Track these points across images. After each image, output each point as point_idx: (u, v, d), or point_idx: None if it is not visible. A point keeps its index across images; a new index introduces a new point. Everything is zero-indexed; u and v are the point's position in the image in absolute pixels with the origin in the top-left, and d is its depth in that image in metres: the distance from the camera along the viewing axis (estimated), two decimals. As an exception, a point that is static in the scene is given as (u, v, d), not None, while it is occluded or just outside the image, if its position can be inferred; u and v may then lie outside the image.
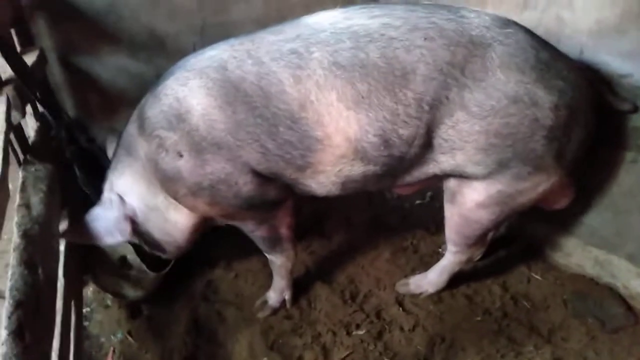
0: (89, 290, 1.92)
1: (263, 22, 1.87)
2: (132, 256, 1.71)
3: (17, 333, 1.03)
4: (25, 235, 1.28)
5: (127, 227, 1.52)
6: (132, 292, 1.82)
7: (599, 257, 1.83)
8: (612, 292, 1.80)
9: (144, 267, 1.71)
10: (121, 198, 1.55)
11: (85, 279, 1.91)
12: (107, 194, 1.58)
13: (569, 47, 1.52)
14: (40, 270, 1.25)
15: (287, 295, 1.84)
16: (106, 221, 1.53)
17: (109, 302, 1.90)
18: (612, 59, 1.51)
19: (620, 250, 1.76)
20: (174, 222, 1.59)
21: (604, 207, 1.73)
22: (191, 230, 1.63)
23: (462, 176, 1.42)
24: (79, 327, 1.67)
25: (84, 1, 1.76)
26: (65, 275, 1.59)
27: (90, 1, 1.77)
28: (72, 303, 1.63)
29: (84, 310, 1.84)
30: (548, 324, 1.77)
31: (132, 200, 1.55)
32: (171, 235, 1.62)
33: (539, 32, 1.38)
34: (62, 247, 1.64)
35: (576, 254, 1.91)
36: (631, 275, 1.75)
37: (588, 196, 1.74)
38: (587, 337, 1.70)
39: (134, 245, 1.68)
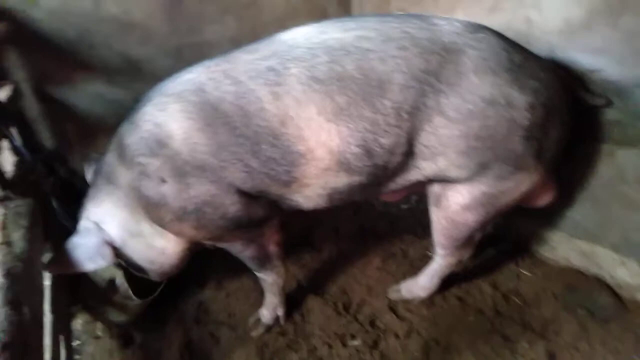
0: (79, 323, 1.88)
1: (238, 41, 1.88)
2: (120, 280, 1.69)
3: (6, 375, 1.01)
4: (9, 274, 1.25)
5: (108, 251, 1.50)
6: (116, 316, 1.79)
7: (584, 249, 1.87)
8: (600, 283, 1.83)
9: (129, 292, 1.69)
10: (98, 225, 1.53)
11: (73, 311, 1.87)
12: (84, 222, 1.56)
13: (540, 47, 1.55)
14: (25, 309, 1.23)
15: (280, 312, 1.83)
16: (86, 248, 1.50)
17: (99, 333, 1.87)
18: (582, 56, 1.54)
19: (604, 241, 1.79)
20: (159, 248, 1.58)
21: (585, 200, 1.77)
22: (178, 257, 1.62)
23: (445, 180, 1.43)
24: (70, 361, 1.64)
25: (54, 31, 1.74)
26: (52, 310, 1.56)
27: (60, 31, 1.75)
28: (61, 338, 1.59)
29: (75, 344, 1.80)
30: (540, 319, 1.78)
31: (111, 228, 1.53)
32: (155, 261, 1.61)
33: (509, 34, 1.41)
34: (48, 282, 1.61)
35: (562, 247, 1.94)
36: (616, 265, 1.78)
37: (570, 190, 1.77)
38: (579, 329, 1.72)
39: (123, 269, 1.66)
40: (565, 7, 1.52)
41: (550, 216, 1.90)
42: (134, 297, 1.69)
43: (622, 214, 1.69)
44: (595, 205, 1.75)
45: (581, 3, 1.48)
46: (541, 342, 1.70)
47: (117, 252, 1.55)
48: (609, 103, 1.52)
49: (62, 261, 1.49)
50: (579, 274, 1.89)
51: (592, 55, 1.52)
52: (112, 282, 1.69)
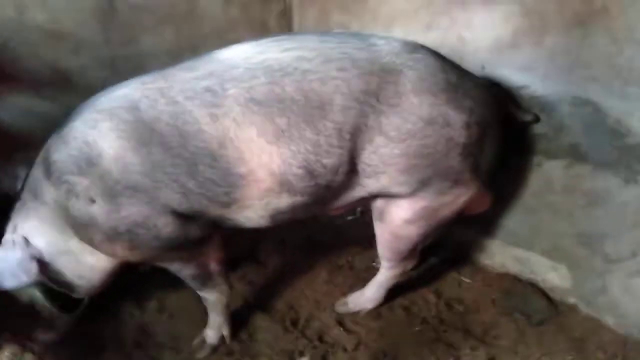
0: (5, 355, 1.74)
1: (175, 53, 1.83)
2: (40, 302, 1.59)
3: None
4: None
5: (33, 267, 1.43)
6: (44, 334, 1.67)
7: (518, 256, 1.96)
8: (534, 287, 1.92)
9: (54, 310, 1.61)
10: (26, 240, 1.46)
11: (-1, 343, 1.74)
12: (9, 236, 1.48)
13: (472, 63, 1.62)
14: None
15: (225, 331, 1.78)
16: (8, 263, 1.43)
17: (29, 364, 1.74)
18: (510, 73, 1.63)
19: (536, 247, 1.89)
20: (89, 265, 1.52)
21: (517, 209, 1.86)
22: (108, 273, 1.57)
23: (388, 196, 1.46)
24: (-4, 398, 1.52)
25: (-27, 41, 1.62)
26: (-26, 343, 1.44)
27: (-19, 41, 1.64)
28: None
29: (1, 378, 1.67)
30: (481, 325, 1.85)
31: (39, 243, 1.46)
32: (85, 277, 1.55)
33: (444, 51, 1.46)
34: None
35: (499, 254, 2.03)
36: (547, 269, 1.88)
37: (504, 200, 1.86)
38: (517, 332, 1.80)
39: (42, 288, 1.56)
40: (494, 26, 1.61)
41: (487, 225, 1.98)
42: (59, 313, 1.61)
43: (551, 221, 1.78)
44: (527, 214, 1.84)
45: (508, 23, 1.57)
46: (482, 347, 1.76)
47: (43, 268, 1.47)
48: (537, 120, 1.61)
49: None
50: (515, 279, 1.98)
51: (520, 72, 1.62)
52: (31, 304, 1.60)
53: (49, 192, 1.38)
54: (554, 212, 1.76)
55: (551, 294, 1.90)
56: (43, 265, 1.46)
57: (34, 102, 1.83)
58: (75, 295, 1.62)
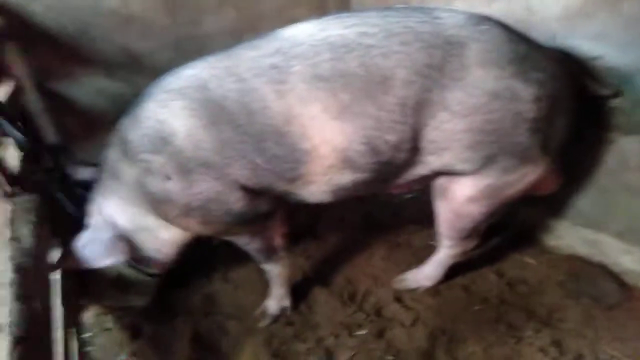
0: (89, 315, 1.91)
1: (237, 33, 1.87)
2: (125, 270, 1.71)
3: (20, 370, 1.03)
4: (19, 269, 1.27)
5: (124, 247, 1.53)
6: (139, 300, 1.84)
7: (588, 237, 1.87)
8: (604, 270, 1.84)
9: (141, 275, 1.72)
10: (111, 219, 1.55)
11: (83, 304, 1.90)
12: (96, 217, 1.58)
13: (541, 34, 1.53)
14: (37, 303, 1.25)
15: (286, 302, 1.85)
16: (100, 244, 1.52)
17: (109, 325, 1.89)
18: (582, 43, 1.54)
19: (608, 229, 1.80)
20: (165, 239, 1.61)
21: (589, 189, 1.77)
22: (183, 246, 1.66)
23: (451, 173, 1.43)
24: (82, 353, 1.67)
25: (55, 26, 1.74)
26: (63, 303, 1.58)
27: (60, 25, 1.76)
28: (73, 330, 1.62)
29: (85, 336, 1.83)
30: (545, 307, 1.79)
31: (120, 221, 1.55)
32: (162, 251, 1.64)
33: (509, 21, 1.39)
34: (57, 276, 1.63)
35: (567, 235, 1.95)
36: (620, 252, 1.79)
37: (574, 178, 1.77)
38: (584, 316, 1.73)
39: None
40: (564, -7, 1.51)
41: (554, 205, 1.90)
42: (148, 278, 1.73)
43: (626, 201, 1.68)
44: (599, 194, 1.75)
45: (579, -11, 1.47)
46: (546, 329, 1.71)
47: (129, 245, 1.56)
48: (618, 93, 1.50)
49: (74, 257, 1.50)
50: (583, 261, 1.90)
51: (593, 42, 1.51)
52: (119, 275, 1.72)
53: (127, 171, 1.46)
54: (629, 192, 1.66)
55: (623, 278, 1.81)
56: (128, 242, 1.56)
57: (107, 83, 1.95)
58: (151, 270, 1.71)
